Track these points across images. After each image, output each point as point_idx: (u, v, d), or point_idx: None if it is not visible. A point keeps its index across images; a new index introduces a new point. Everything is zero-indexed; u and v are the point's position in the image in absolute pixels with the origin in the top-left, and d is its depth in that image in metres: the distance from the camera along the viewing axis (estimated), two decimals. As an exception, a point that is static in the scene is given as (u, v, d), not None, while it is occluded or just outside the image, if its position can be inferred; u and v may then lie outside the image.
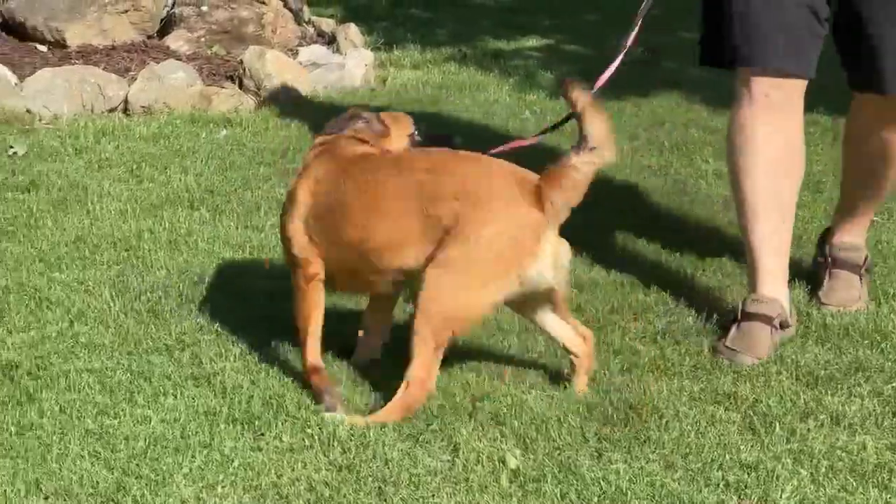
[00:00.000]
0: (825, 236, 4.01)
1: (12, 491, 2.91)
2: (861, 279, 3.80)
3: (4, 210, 4.63)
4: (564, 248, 3.32)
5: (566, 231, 3.54)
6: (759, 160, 3.82)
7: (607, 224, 4.68)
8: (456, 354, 3.73)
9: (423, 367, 3.24)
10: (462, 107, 6.30)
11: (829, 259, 3.86)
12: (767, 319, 3.57)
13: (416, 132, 3.82)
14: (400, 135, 3.76)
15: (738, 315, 3.60)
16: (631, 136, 5.79)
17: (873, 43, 3.70)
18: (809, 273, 4.20)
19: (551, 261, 3.27)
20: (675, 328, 3.77)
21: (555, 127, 3.88)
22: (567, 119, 3.70)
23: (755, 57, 3.79)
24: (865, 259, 3.87)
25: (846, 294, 3.75)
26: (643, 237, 4.53)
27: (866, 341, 3.74)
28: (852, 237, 4.02)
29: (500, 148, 3.73)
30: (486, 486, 3.03)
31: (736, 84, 3.83)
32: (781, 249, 3.67)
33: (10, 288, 4.01)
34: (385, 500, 2.98)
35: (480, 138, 5.48)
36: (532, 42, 7.71)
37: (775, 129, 3.75)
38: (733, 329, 3.57)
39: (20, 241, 4.37)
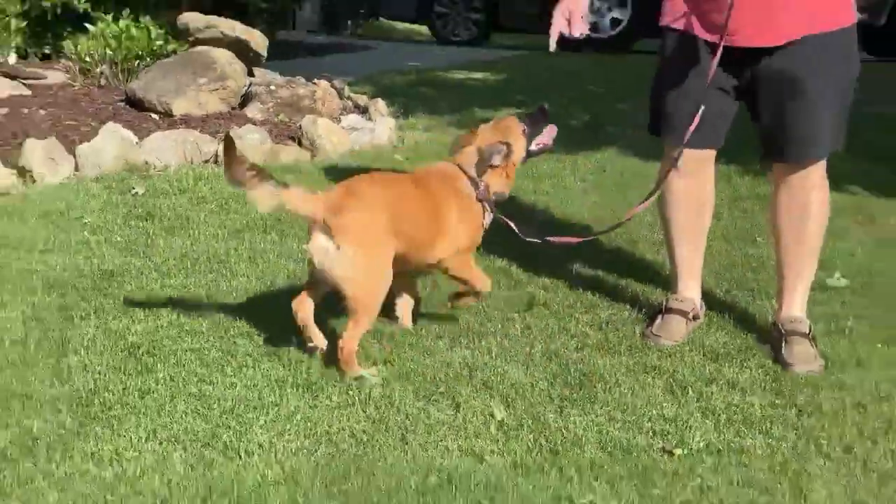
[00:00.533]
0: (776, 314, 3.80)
1: (136, 437, 2.96)
2: (813, 344, 3.58)
3: (129, 234, 4.64)
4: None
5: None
6: (680, 206, 3.77)
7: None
8: (456, 337, 3.73)
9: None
10: None
11: (784, 331, 3.62)
12: (684, 314, 3.61)
13: (524, 126, 3.68)
14: (517, 139, 3.62)
15: (662, 309, 3.63)
16: (581, 179, 5.78)
17: (776, 120, 3.54)
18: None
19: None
20: (616, 319, 3.80)
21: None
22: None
23: (673, 137, 3.66)
24: (810, 328, 3.64)
25: (804, 356, 3.52)
26: (592, 252, 4.50)
27: (753, 329, 3.76)
28: (796, 311, 3.74)
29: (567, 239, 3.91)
30: (479, 433, 3.05)
31: (665, 149, 3.81)
32: (695, 264, 3.69)
33: (132, 290, 4.02)
34: (406, 443, 2.99)
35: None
36: (509, 112, 7.69)
37: (690, 185, 3.71)
38: (658, 319, 3.60)
39: (140, 256, 4.39)
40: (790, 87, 3.47)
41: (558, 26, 3.58)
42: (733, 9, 3.39)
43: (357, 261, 3.28)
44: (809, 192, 3.61)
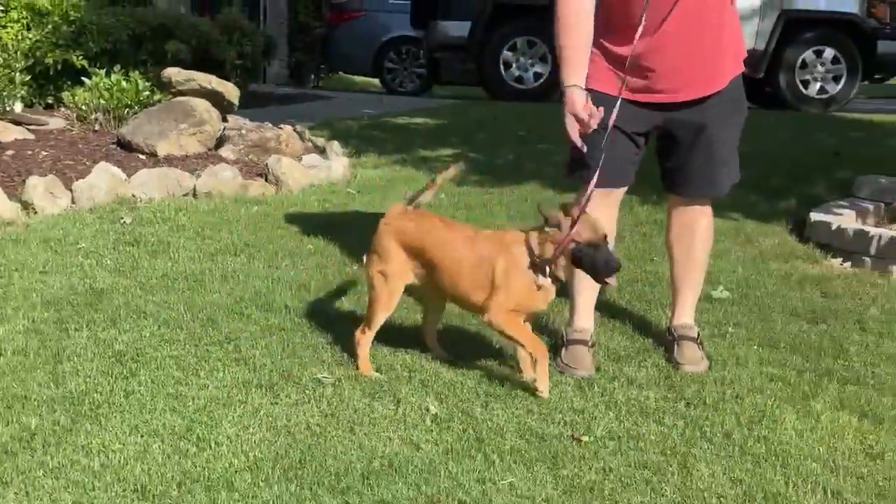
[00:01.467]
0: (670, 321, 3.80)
1: (121, 432, 2.95)
2: (700, 346, 3.63)
3: (118, 257, 4.61)
4: None
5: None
6: None
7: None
8: (398, 344, 3.67)
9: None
10: (401, 192, 6.25)
11: (676, 335, 3.63)
12: (584, 343, 3.50)
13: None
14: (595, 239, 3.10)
15: (564, 341, 3.49)
16: (507, 209, 5.73)
17: (682, 162, 3.52)
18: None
19: None
20: (535, 329, 3.64)
21: None
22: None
23: (591, 183, 3.46)
24: (698, 333, 3.67)
25: (692, 357, 3.55)
26: None
27: (650, 334, 3.79)
28: (686, 319, 3.76)
29: None
30: (416, 425, 3.05)
31: (579, 190, 3.66)
32: (593, 297, 3.57)
33: (120, 305, 3.99)
34: (354, 434, 2.98)
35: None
36: (447, 151, 7.67)
37: (603, 216, 3.50)
38: (563, 350, 3.46)
39: (127, 277, 4.36)
40: (696, 135, 3.48)
41: (575, 133, 3.28)
42: (653, 72, 3.37)
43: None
44: (699, 220, 3.64)
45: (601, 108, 3.21)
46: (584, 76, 3.26)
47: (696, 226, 3.65)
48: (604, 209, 3.55)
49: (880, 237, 4.74)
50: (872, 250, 4.74)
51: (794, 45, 9.99)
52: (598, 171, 3.38)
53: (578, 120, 3.17)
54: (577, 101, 3.17)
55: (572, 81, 3.17)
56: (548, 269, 3.11)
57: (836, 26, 10.02)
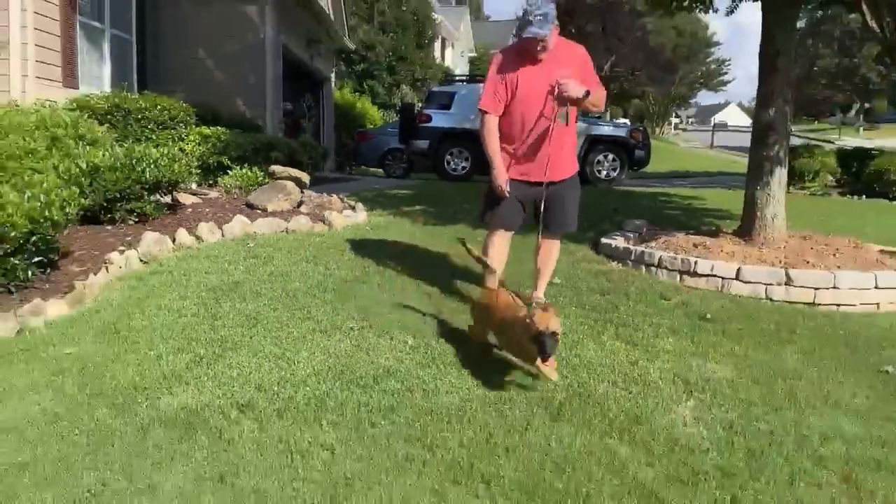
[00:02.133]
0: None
1: (247, 356, 3.46)
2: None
3: (246, 264, 5.02)
4: None
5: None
6: (494, 258, 4.07)
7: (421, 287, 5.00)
8: (397, 312, 4.14)
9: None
10: (397, 229, 6.84)
11: (535, 303, 3.79)
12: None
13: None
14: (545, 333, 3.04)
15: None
16: (447, 238, 6.29)
17: (551, 214, 4.03)
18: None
19: None
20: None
21: None
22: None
23: (495, 225, 4.15)
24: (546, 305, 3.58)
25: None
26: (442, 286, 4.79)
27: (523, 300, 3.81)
28: (540, 294, 4.21)
29: None
30: (401, 350, 3.62)
31: (488, 229, 4.24)
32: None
33: (246, 290, 4.45)
34: (369, 356, 3.53)
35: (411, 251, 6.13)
36: (418, 207, 8.30)
37: (499, 248, 4.18)
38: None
39: (251, 274, 4.77)
40: (560, 200, 4.09)
41: (501, 192, 3.94)
42: (531, 164, 4.01)
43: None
44: (555, 245, 4.29)
45: (508, 182, 3.90)
46: (502, 163, 3.91)
47: (553, 248, 4.26)
48: (502, 242, 4.16)
49: (635, 251, 5.76)
50: (632, 257, 5.76)
51: (593, 152, 13.09)
52: (500, 220, 4.10)
53: (501, 187, 3.90)
54: (501, 176, 3.93)
55: (500, 171, 3.93)
56: None
57: (614, 142, 13.21)
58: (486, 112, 3.92)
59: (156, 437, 2.72)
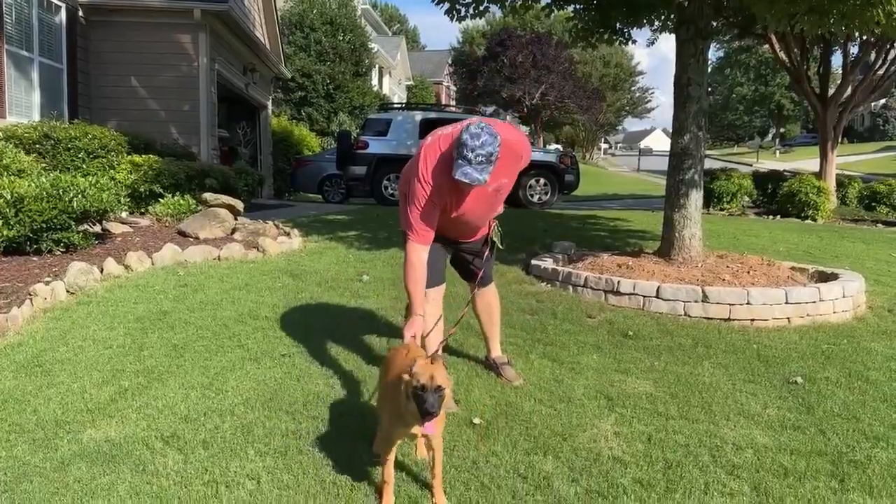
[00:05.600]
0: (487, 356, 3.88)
1: (174, 386, 3.33)
2: (511, 366, 3.75)
3: (176, 292, 4.88)
4: None
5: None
6: (428, 309, 3.37)
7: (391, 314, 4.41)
8: (335, 339, 4.06)
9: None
10: (331, 254, 6.71)
11: (497, 364, 3.77)
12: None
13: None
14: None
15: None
16: (383, 262, 6.30)
17: (470, 268, 3.78)
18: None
19: None
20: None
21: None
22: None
23: (430, 283, 3.38)
24: (508, 358, 3.81)
25: (513, 375, 3.72)
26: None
27: (479, 362, 3.98)
28: (497, 353, 3.87)
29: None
30: (331, 376, 3.59)
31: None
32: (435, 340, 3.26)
33: (175, 319, 4.32)
34: (299, 382, 3.53)
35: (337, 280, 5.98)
36: (353, 232, 8.18)
37: (435, 301, 3.58)
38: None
39: (180, 303, 4.66)
40: (477, 255, 3.78)
41: (409, 337, 3.03)
42: (454, 223, 3.47)
43: None
44: (493, 295, 3.89)
45: (424, 331, 3.16)
46: (422, 309, 3.15)
47: (493, 300, 3.88)
48: (437, 298, 3.62)
49: (562, 272, 5.81)
50: (560, 278, 5.81)
51: (526, 176, 13.39)
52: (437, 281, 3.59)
53: (413, 336, 3.03)
54: (418, 325, 3.08)
55: (419, 312, 3.12)
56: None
57: (545, 167, 13.55)
58: (411, 240, 3.19)
59: (77, 472, 2.65)
